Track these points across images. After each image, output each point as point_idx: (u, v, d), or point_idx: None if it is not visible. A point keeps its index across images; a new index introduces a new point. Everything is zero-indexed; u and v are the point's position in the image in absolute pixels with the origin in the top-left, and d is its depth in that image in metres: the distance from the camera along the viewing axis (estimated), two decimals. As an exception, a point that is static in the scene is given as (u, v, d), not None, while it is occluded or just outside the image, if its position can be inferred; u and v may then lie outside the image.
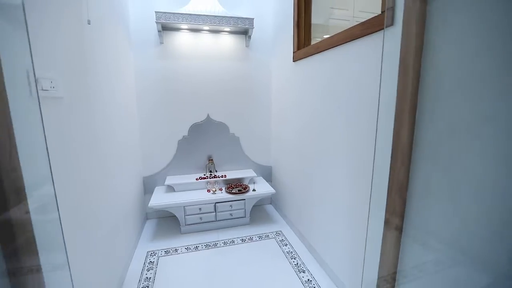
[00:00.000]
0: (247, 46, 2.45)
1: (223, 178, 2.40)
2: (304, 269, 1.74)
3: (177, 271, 1.75)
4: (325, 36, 1.73)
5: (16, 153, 0.66)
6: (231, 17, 2.18)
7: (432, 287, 0.94)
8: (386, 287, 1.15)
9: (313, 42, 1.94)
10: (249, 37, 2.37)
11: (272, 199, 2.79)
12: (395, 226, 1.08)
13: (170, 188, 2.35)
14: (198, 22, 2.13)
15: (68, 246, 0.94)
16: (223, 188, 2.34)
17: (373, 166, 1.15)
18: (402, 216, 1.06)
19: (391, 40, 1.03)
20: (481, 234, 0.76)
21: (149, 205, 2.06)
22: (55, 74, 0.92)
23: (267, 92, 2.62)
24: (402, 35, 0.96)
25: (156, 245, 2.06)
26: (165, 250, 1.98)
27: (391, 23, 1.04)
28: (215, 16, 2.14)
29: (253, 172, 2.57)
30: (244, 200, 2.28)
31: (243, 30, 2.32)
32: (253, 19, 2.23)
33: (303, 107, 1.93)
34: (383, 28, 1.13)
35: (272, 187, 2.49)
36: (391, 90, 1.02)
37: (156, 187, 2.42)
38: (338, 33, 1.46)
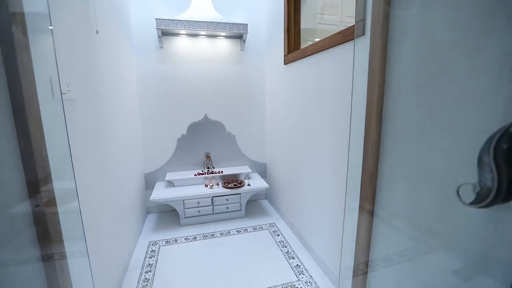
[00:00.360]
0: (242, 49, 2.60)
1: (220, 174, 2.55)
2: (294, 256, 1.89)
3: (177, 258, 1.90)
4: (316, 40, 1.88)
5: (45, 146, 0.81)
6: (226, 23, 2.33)
7: (399, 261, 1.10)
8: (362, 265, 1.30)
9: (304, 45, 2.09)
10: (244, 41, 2.52)
11: (267, 195, 2.94)
12: (368, 210, 1.23)
13: (170, 184, 2.50)
14: (196, 28, 2.28)
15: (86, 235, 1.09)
16: (220, 183, 2.49)
17: (348, 159, 1.30)
18: (373, 202, 1.21)
19: (361, 48, 1.18)
20: (433, 213, 0.92)
21: (151, 198, 2.21)
22: (70, 79, 1.07)
23: (261, 93, 2.77)
24: (370, 44, 1.11)
25: (157, 235, 2.21)
26: (166, 240, 2.13)
27: (362, 33, 1.19)
28: (212, 22, 2.29)
29: (249, 168, 2.72)
30: (239, 194, 2.43)
31: (238, 34, 2.47)
32: (247, 24, 2.38)
33: (294, 107, 2.08)
34: (360, 36, 1.28)
35: (267, 182, 2.64)
36: (362, 92, 1.17)
37: (157, 183, 2.57)
38: (321, 40, 1.61)
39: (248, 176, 2.66)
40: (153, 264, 1.83)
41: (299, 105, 1.98)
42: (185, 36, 2.46)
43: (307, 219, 1.96)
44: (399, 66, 1.01)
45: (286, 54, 2.14)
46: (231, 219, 2.48)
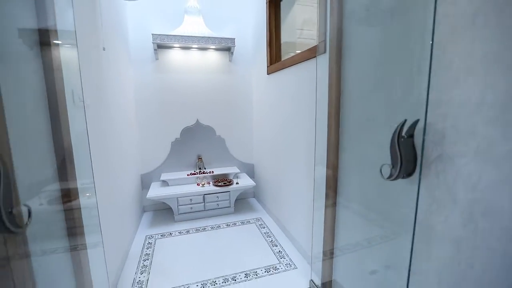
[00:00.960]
0: (230, 61, 2.87)
1: (211, 174, 2.78)
2: (277, 244, 2.13)
3: (171, 249, 2.11)
4: (297, 51, 2.16)
5: (71, 144, 1.04)
6: (216, 37, 2.59)
7: (355, 229, 1.36)
8: (330, 251, 1.55)
9: (287, 57, 2.37)
10: (232, 53, 2.79)
11: (255, 193, 3.18)
12: (331, 197, 1.48)
13: (165, 183, 2.71)
14: (188, 42, 2.53)
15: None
16: (211, 182, 2.72)
17: (314, 154, 1.56)
18: (335, 190, 1.46)
19: (324, 63, 1.45)
20: (377, 194, 1.18)
21: (147, 196, 2.42)
22: (85, 88, 1.30)
23: (248, 100, 3.03)
24: (329, 60, 1.39)
25: (153, 230, 2.41)
26: (161, 234, 2.34)
27: (324, 51, 1.47)
28: (202, 37, 2.55)
29: (237, 169, 2.96)
30: (229, 192, 2.66)
31: (227, 47, 2.74)
32: (234, 39, 2.65)
33: (276, 113, 2.35)
34: (322, 54, 1.56)
35: (254, 181, 2.88)
36: (325, 100, 1.44)
37: (153, 183, 2.77)
38: (296, 54, 1.89)
39: (237, 176, 2.89)
40: (150, 254, 2.03)
41: (281, 111, 2.25)
42: (178, 49, 2.71)
43: (288, 211, 2.20)
44: (349, 79, 1.29)
45: (268, 65, 2.42)
46: (221, 215, 2.70)
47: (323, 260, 1.60)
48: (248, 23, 2.90)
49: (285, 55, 2.44)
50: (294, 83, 1.97)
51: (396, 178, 0.89)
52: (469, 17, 0.73)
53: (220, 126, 2.97)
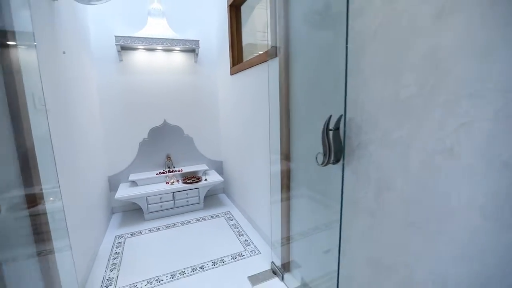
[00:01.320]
0: (195, 62, 2.96)
1: (180, 172, 2.86)
2: (243, 234, 2.28)
3: (141, 246, 2.17)
4: (260, 52, 2.30)
5: (34, 148, 1.09)
6: (180, 39, 2.67)
7: (307, 211, 1.55)
8: (286, 237, 1.73)
9: (250, 57, 2.51)
10: (197, 54, 2.88)
11: (224, 189, 3.30)
12: (286, 189, 1.66)
13: (134, 184, 2.74)
14: (152, 44, 2.58)
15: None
16: (180, 180, 2.80)
17: (269, 147, 1.73)
18: (289, 177, 1.64)
19: (275, 66, 1.62)
20: (318, 178, 1.36)
21: (116, 197, 2.44)
22: (46, 93, 1.34)
23: (215, 100, 3.14)
24: (279, 63, 1.56)
25: (123, 230, 2.44)
26: (131, 233, 2.38)
27: (276, 55, 1.63)
28: (166, 39, 2.62)
29: (206, 166, 3.06)
30: (198, 189, 2.76)
31: (191, 49, 2.82)
32: (198, 41, 2.75)
33: (240, 112, 2.49)
34: (273, 57, 1.73)
35: (223, 178, 3.00)
36: (276, 99, 1.61)
37: (121, 184, 2.78)
38: (254, 57, 2.05)
39: (205, 173, 3.00)
40: (120, 253, 2.08)
41: (243, 110, 2.39)
42: (143, 50, 2.75)
43: (254, 203, 2.36)
44: (296, 79, 1.47)
45: (231, 66, 2.55)
46: (191, 211, 2.79)
47: (282, 245, 1.78)
48: (211, 25, 3.00)
49: (250, 56, 2.58)
50: (254, 83, 2.12)
51: (327, 164, 1.07)
52: (371, 32, 0.92)
53: (188, 126, 3.04)
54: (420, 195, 0.81)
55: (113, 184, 2.79)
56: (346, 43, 0.98)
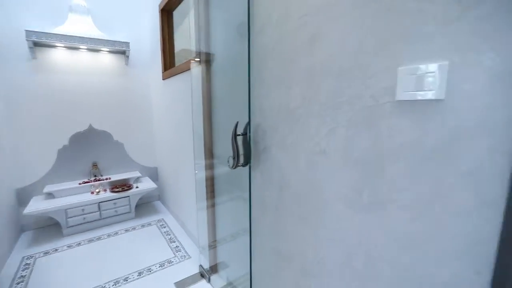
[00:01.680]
0: (126, 64, 2.82)
1: (108, 180, 2.67)
2: (175, 240, 2.24)
3: (56, 265, 1.95)
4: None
5: None
6: (108, 40, 2.52)
7: (232, 209, 1.61)
8: (213, 241, 1.77)
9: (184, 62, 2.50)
10: (127, 57, 2.75)
11: (160, 196, 3.19)
12: (211, 190, 1.71)
13: (50, 196, 2.45)
14: (74, 43, 2.38)
15: None
16: (107, 189, 2.61)
17: (193, 148, 1.76)
18: (213, 182, 1.70)
19: (199, 73, 1.67)
20: (236, 183, 1.45)
21: (24, 212, 2.14)
22: None
23: (148, 104, 3.03)
24: (201, 71, 1.61)
25: (34, 250, 2.16)
26: (45, 252, 2.12)
27: (199, 63, 1.69)
28: (91, 39, 2.44)
29: (139, 173, 2.92)
30: (128, 197, 2.61)
31: (122, 51, 2.69)
32: (129, 43, 2.64)
33: (172, 116, 2.46)
34: (196, 65, 1.78)
35: (158, 184, 2.90)
36: (199, 103, 1.65)
37: (34, 197, 2.46)
38: (182, 63, 2.07)
39: (138, 180, 2.86)
40: (27, 276, 1.83)
41: (175, 115, 2.38)
42: (63, 48, 2.50)
43: (186, 209, 2.35)
44: (216, 87, 1.54)
45: (163, 71, 2.51)
46: (121, 221, 2.62)
47: (210, 248, 1.81)
48: (144, 28, 2.91)
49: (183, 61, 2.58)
50: (184, 89, 2.13)
51: (236, 167, 1.16)
52: (270, 48, 1.04)
53: (118, 131, 2.87)
54: (307, 191, 0.94)
55: (23, 197, 2.45)
56: (248, 56, 1.09)
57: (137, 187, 2.65)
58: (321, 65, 0.84)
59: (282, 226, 1.07)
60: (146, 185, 2.75)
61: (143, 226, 2.53)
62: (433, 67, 0.57)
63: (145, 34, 2.92)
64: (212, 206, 1.72)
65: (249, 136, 1.13)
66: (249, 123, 1.12)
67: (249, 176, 1.16)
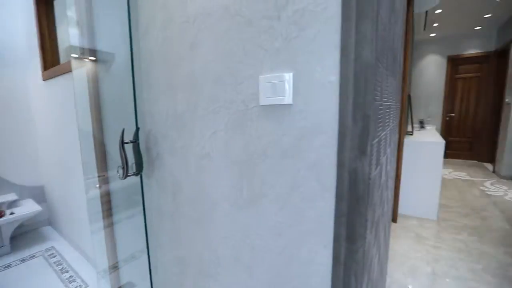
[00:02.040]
0: (-10, 61, 2.25)
1: (-35, 209, 2.06)
2: (68, 269, 1.92)
3: None
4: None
5: None
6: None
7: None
8: (115, 263, 1.60)
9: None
10: (-9, 52, 2.20)
11: (50, 220, 2.66)
12: (107, 206, 1.54)
13: None
14: None
15: None
16: (-35, 221, 2.02)
17: (80, 150, 1.56)
18: (109, 198, 1.53)
19: (84, 73, 1.48)
20: (134, 195, 1.34)
21: None
22: None
23: (26, 110, 2.50)
24: (87, 73, 1.44)
25: None
26: None
27: (85, 63, 1.50)
28: None
29: (16, 195, 2.36)
30: (-2, 228, 2.08)
31: (-20, 43, 2.13)
32: (-9, 35, 2.11)
33: (60, 124, 2.10)
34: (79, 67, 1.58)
35: (46, 206, 2.41)
36: (87, 108, 1.47)
37: None
38: (68, 61, 1.79)
39: (14, 204, 2.31)
40: None
41: (63, 121, 2.03)
42: None
43: (83, 230, 2.03)
44: (105, 90, 1.40)
45: (43, 70, 2.12)
46: (-11, 260, 2.06)
47: (111, 271, 1.62)
48: (16, 20, 2.39)
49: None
50: (70, 90, 1.85)
51: (126, 177, 1.07)
52: (155, 52, 1.01)
53: (-19, 145, 2.26)
54: (197, 194, 0.95)
55: None
56: (131, 58, 1.03)
57: (11, 214, 2.13)
58: (200, 71, 0.86)
59: (180, 232, 1.05)
60: (27, 208, 2.25)
61: (23, 261, 2.05)
62: (282, 76, 0.66)
63: (18, 29, 2.39)
64: (110, 225, 1.54)
65: (139, 143, 1.07)
66: (137, 130, 1.05)
67: (141, 185, 1.09)
